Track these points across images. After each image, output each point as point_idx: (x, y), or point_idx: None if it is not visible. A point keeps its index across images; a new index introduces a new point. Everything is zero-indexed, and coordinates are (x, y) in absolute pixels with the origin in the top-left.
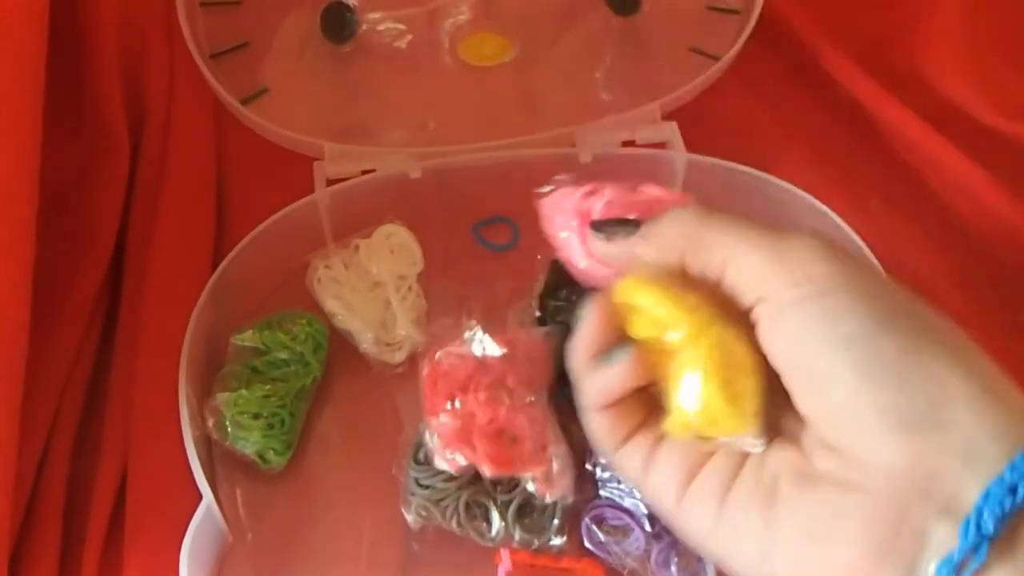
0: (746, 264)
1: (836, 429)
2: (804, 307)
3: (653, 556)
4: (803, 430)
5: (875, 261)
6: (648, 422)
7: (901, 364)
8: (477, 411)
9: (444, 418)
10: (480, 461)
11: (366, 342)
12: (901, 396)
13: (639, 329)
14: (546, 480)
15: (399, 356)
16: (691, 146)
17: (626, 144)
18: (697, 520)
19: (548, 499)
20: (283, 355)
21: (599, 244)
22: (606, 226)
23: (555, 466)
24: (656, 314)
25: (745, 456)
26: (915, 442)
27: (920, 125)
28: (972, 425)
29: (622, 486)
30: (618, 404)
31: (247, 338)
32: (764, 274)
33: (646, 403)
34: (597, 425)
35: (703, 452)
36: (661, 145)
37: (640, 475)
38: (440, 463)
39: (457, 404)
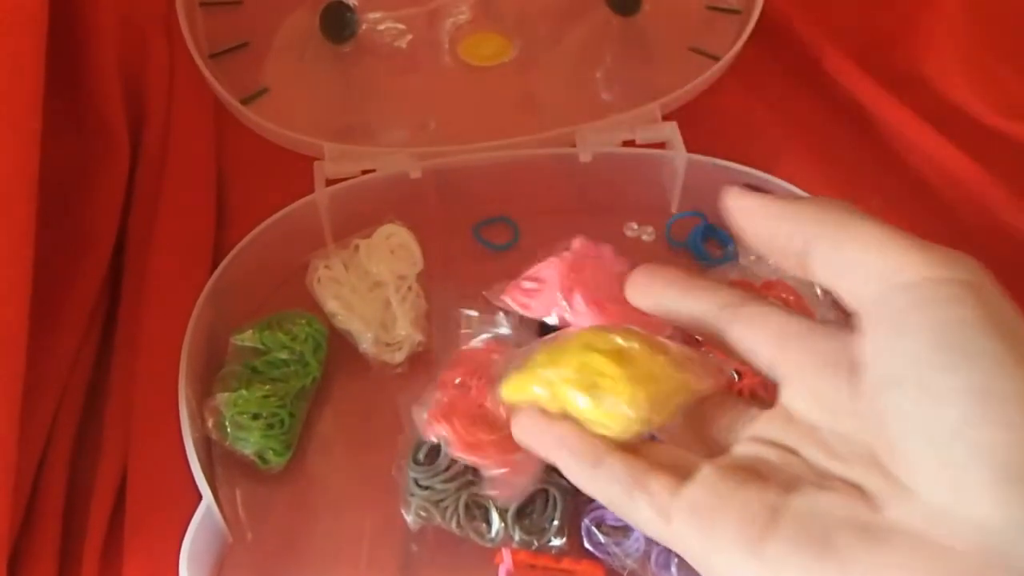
0: (882, 246)
1: (926, 464)
2: (931, 308)
3: (653, 557)
4: (868, 468)
5: None
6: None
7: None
8: (472, 391)
9: (439, 394)
10: (451, 438)
11: (366, 342)
12: (1017, 437)
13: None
14: (497, 481)
15: (399, 356)
16: (691, 146)
17: (626, 144)
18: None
19: (496, 502)
20: (283, 355)
21: (735, 198)
22: (751, 187)
23: (512, 474)
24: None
25: (783, 491)
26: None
27: (920, 125)
28: None
29: None
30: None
31: (247, 338)
32: (900, 261)
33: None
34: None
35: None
36: (661, 145)
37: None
38: (425, 437)
39: (460, 386)
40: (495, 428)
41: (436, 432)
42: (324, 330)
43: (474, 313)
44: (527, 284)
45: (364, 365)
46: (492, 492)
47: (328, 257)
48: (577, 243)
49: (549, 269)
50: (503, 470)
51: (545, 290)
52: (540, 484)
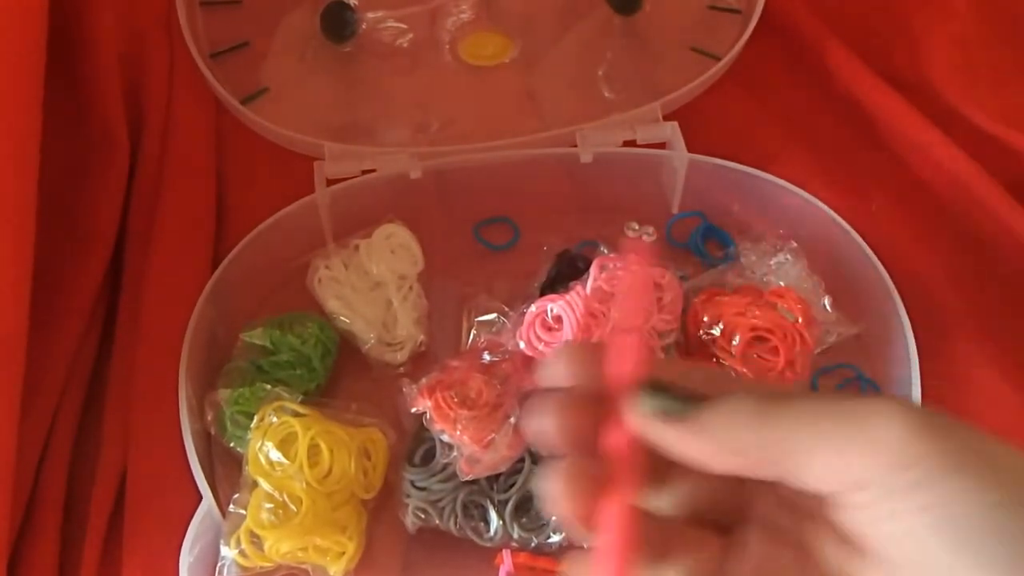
0: (827, 456)
1: None
2: (915, 495)
3: None
4: None
5: (876, 261)
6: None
7: None
8: (458, 371)
9: (456, 362)
10: (432, 411)
11: (368, 343)
12: None
13: None
14: (469, 457)
15: (400, 356)
16: (691, 146)
17: (627, 144)
18: None
19: (464, 476)
20: (290, 357)
21: (647, 423)
22: (660, 395)
23: (482, 452)
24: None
25: None
26: None
27: (922, 124)
28: None
29: None
30: None
31: (256, 335)
32: (849, 465)
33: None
34: None
35: None
36: (662, 145)
37: None
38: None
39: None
40: (475, 406)
41: (419, 405)
42: (335, 336)
43: (487, 317)
44: (540, 331)
45: (365, 365)
46: (462, 467)
47: (328, 257)
48: (598, 271)
49: (568, 311)
50: (476, 447)
51: (560, 340)
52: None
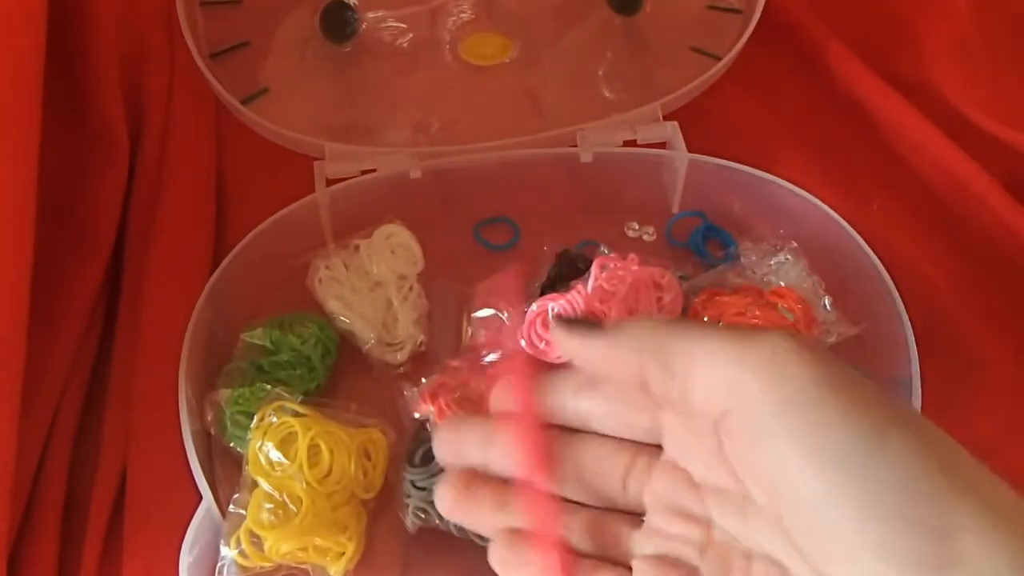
0: (713, 368)
1: (834, 565)
2: (785, 419)
3: None
4: (786, 549)
5: (877, 261)
6: None
7: (902, 491)
8: (461, 374)
9: (456, 362)
10: (434, 416)
11: (368, 343)
12: (906, 532)
13: None
14: None
15: (400, 356)
16: (692, 146)
17: (627, 144)
18: None
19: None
20: (290, 358)
21: (559, 335)
22: (569, 321)
23: None
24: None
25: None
26: None
27: (923, 124)
28: (986, 557)
29: None
30: None
31: (256, 335)
32: (733, 379)
33: None
34: None
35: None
36: (662, 145)
37: None
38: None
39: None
40: (478, 409)
41: (422, 410)
42: (335, 337)
43: (484, 313)
44: (541, 330)
45: (365, 365)
46: None
47: (329, 257)
48: (599, 271)
49: (569, 310)
50: None
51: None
52: None
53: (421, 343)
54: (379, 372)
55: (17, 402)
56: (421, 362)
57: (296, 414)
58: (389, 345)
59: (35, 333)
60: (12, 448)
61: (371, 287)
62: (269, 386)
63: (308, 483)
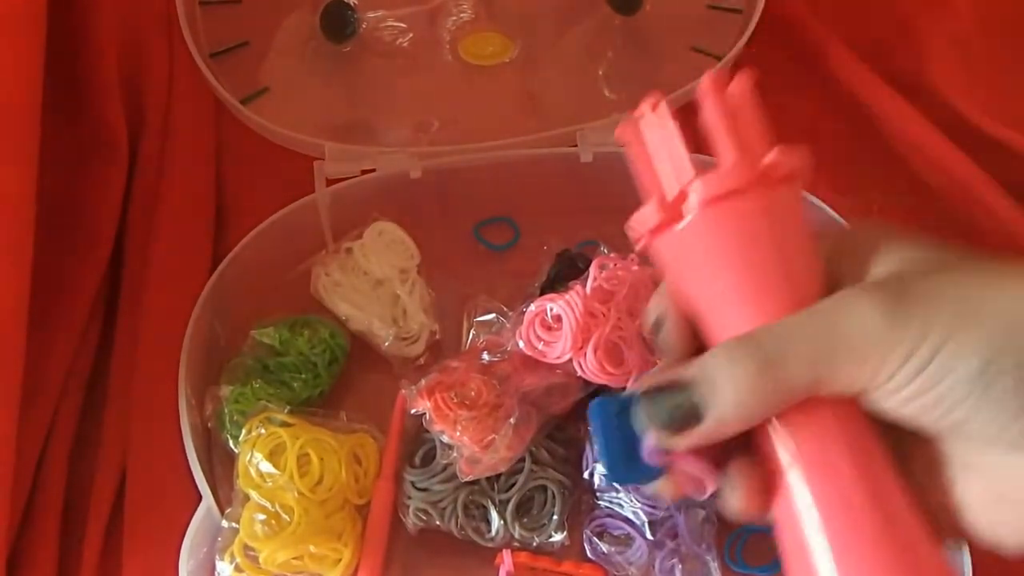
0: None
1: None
2: (911, 383)
3: (657, 564)
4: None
5: None
6: None
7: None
8: (459, 372)
9: (455, 362)
10: (431, 412)
11: (388, 339)
12: None
13: None
14: (468, 459)
15: (417, 348)
16: (691, 146)
17: None
18: None
19: (464, 477)
20: (296, 361)
21: (661, 437)
22: (656, 402)
23: (481, 452)
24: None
25: None
26: None
27: (923, 125)
28: None
29: (620, 495)
30: None
31: (266, 335)
32: (850, 374)
33: None
34: None
35: None
36: None
37: None
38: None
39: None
40: (474, 407)
41: (418, 406)
42: (345, 345)
43: (487, 317)
44: (540, 331)
45: (374, 369)
46: (462, 468)
47: (327, 264)
48: (598, 271)
49: (567, 311)
50: (476, 448)
51: (560, 340)
52: (537, 480)
53: (435, 332)
54: (400, 369)
55: (17, 402)
56: (438, 352)
57: (284, 424)
58: (404, 339)
59: (35, 333)
60: (12, 448)
61: (373, 286)
62: (271, 386)
63: (300, 492)
